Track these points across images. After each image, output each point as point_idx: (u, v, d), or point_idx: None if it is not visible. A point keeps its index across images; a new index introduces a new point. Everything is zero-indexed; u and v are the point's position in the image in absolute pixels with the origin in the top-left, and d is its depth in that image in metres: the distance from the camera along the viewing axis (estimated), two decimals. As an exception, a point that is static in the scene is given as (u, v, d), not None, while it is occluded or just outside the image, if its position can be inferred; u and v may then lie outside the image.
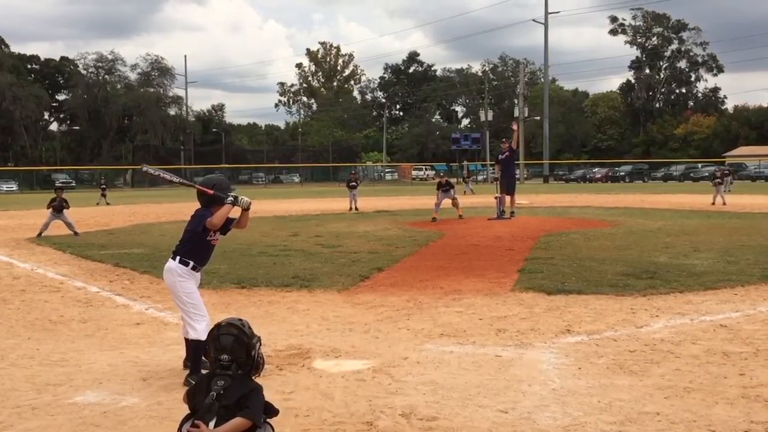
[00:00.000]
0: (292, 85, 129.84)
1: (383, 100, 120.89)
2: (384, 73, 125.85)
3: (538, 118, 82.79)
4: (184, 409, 3.53)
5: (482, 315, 7.88)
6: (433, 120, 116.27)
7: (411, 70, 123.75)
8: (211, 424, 3.27)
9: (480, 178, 70.59)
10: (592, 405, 4.83)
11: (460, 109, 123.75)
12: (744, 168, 70.13)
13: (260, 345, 3.55)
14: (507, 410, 4.75)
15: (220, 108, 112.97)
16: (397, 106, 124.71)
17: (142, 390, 5.37)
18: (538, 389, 5.21)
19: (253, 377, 3.51)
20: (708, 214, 22.32)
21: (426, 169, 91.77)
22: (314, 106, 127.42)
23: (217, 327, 3.55)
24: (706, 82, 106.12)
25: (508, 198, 20.12)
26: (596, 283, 9.57)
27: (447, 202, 21.63)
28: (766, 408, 4.73)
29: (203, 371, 4.30)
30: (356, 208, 27.53)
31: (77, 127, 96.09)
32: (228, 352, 3.43)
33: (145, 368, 5.97)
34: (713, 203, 27.37)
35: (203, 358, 4.00)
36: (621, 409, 4.74)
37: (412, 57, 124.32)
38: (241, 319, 3.58)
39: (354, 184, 28.90)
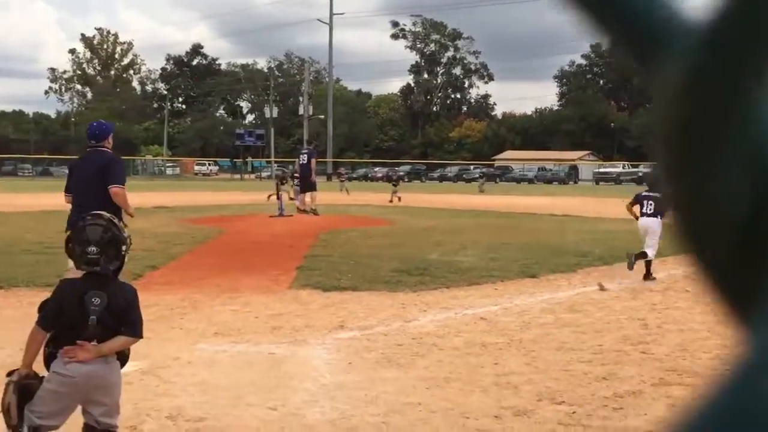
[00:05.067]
0: (65, 72, 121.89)
1: (165, 92, 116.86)
2: (166, 65, 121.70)
3: (323, 117, 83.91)
4: None
5: (258, 313, 7.88)
6: (217, 115, 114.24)
7: (194, 63, 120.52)
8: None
9: (264, 174, 70.23)
10: (359, 399, 5.00)
11: (244, 105, 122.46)
12: (510, 170, 75.73)
13: (130, 244, 3.36)
14: (276, 407, 4.79)
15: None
16: (180, 99, 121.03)
17: None
18: (309, 385, 5.31)
19: None
20: (476, 213, 23.82)
21: (209, 164, 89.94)
22: (89, 95, 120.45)
23: (83, 219, 3.27)
24: (478, 88, 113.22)
25: (305, 196, 20.40)
26: (371, 279, 9.89)
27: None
28: (514, 394, 5.15)
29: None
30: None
31: None
32: (95, 245, 3.16)
33: None
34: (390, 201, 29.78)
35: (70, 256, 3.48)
36: (386, 401, 4.95)
37: (196, 49, 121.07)
38: (108, 214, 3.35)
39: None
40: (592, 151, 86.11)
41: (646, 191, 10.60)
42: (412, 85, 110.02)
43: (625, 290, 9.51)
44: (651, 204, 10.15)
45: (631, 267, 10.20)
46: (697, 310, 8.15)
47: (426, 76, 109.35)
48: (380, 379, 5.48)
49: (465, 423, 4.59)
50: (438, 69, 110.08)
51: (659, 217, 9.97)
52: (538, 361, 6.03)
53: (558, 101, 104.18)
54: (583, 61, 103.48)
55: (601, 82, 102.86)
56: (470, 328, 7.26)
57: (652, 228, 10.14)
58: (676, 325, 7.41)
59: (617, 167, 72.80)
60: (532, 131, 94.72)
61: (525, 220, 21.50)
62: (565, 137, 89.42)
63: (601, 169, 72.76)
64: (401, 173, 39.97)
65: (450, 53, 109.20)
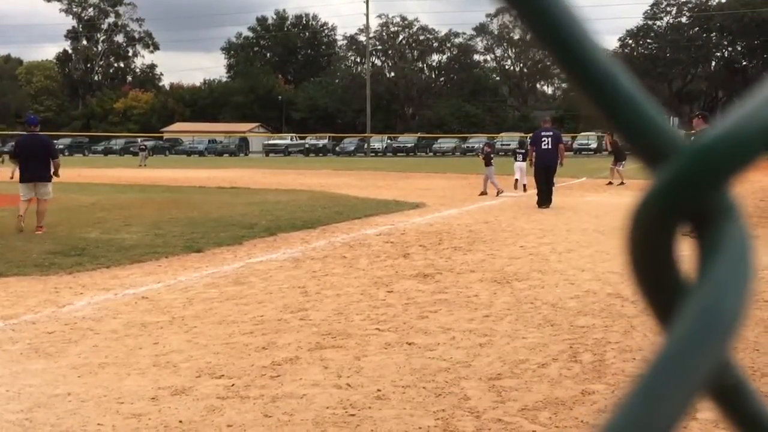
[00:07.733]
0: None
1: None
2: None
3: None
4: None
5: None
6: None
7: None
8: None
9: None
10: (-1, 396, 4.57)
11: None
12: (180, 143, 74.24)
13: None
14: None
15: None
16: None
17: None
18: (-62, 388, 4.72)
19: None
20: (142, 189, 22.99)
21: None
22: None
23: None
24: (144, 58, 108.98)
25: None
26: (19, 263, 9.08)
27: None
28: (173, 373, 5.05)
29: None
30: None
31: None
32: None
33: None
34: None
35: None
36: (31, 395, 4.58)
37: None
38: None
39: None
40: (261, 123, 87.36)
41: (518, 150, 21.43)
42: (70, 52, 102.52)
43: (288, 259, 9.80)
44: (520, 155, 20.31)
45: (525, 189, 19.58)
46: (352, 275, 8.68)
47: (85, 42, 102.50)
48: (25, 371, 5.05)
49: (119, 408, 4.40)
50: (98, 36, 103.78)
51: (524, 160, 19.67)
52: (200, 337, 5.98)
53: (227, 73, 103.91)
54: (250, 34, 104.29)
55: (268, 55, 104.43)
56: (130, 308, 6.98)
57: (522, 168, 19.93)
58: (333, 291, 7.79)
59: (286, 139, 74.75)
60: (202, 103, 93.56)
61: (193, 193, 21.22)
62: (234, 109, 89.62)
63: (271, 141, 74.25)
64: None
65: (111, 19, 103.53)
